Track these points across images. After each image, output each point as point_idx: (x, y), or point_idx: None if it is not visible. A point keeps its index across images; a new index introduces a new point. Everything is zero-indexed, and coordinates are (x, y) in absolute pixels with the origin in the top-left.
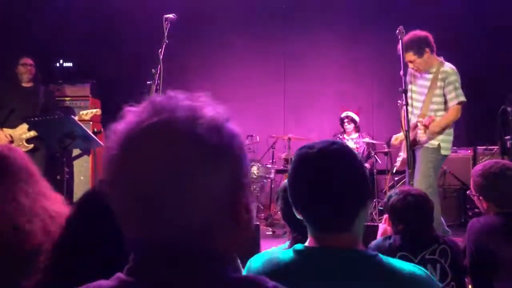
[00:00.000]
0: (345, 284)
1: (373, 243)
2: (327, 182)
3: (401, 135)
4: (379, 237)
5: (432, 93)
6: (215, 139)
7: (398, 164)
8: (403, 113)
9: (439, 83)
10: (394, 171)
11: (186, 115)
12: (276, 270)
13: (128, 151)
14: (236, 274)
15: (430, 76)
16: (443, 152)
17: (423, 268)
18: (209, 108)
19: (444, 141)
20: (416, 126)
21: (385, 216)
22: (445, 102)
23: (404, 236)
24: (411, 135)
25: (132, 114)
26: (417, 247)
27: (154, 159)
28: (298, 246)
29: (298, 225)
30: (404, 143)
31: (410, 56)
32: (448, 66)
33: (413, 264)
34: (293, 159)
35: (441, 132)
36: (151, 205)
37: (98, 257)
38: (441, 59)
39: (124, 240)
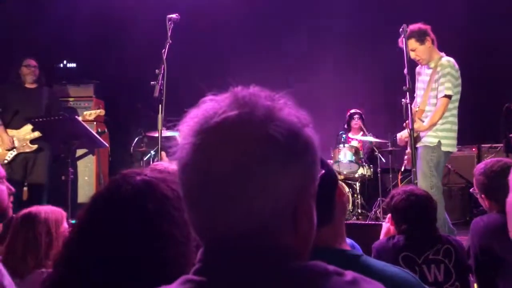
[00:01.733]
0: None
1: (377, 243)
2: None
3: (405, 133)
4: (382, 236)
5: (430, 87)
6: (288, 143)
7: (406, 161)
8: (408, 112)
9: (435, 76)
10: (403, 169)
11: (264, 114)
12: None
13: (203, 140)
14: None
15: (430, 71)
16: (444, 148)
17: (408, 271)
18: (289, 110)
19: (445, 138)
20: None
21: (388, 215)
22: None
23: (407, 236)
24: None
25: (212, 102)
26: (420, 247)
27: (227, 151)
28: None
29: None
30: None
31: (412, 43)
32: (445, 59)
33: (399, 267)
34: None
35: (430, 128)
36: (218, 195)
37: (107, 257)
38: (442, 54)
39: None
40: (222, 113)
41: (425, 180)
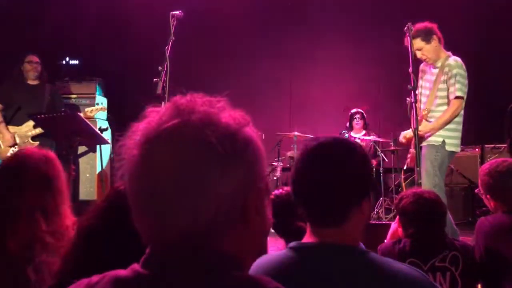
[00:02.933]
0: (337, 280)
1: (382, 245)
2: (322, 174)
3: (409, 132)
4: (388, 237)
5: (436, 87)
6: (225, 146)
7: (408, 160)
8: (412, 111)
9: (443, 77)
10: (405, 168)
11: (199, 119)
12: (270, 267)
13: (145, 152)
14: (240, 273)
15: (436, 70)
16: (448, 148)
17: (418, 269)
18: (226, 113)
19: (449, 137)
20: (421, 121)
21: (397, 217)
22: (448, 96)
23: (414, 242)
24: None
25: (155, 114)
26: (427, 253)
27: (165, 159)
28: (293, 244)
29: (291, 235)
30: (413, 140)
31: (418, 42)
32: (453, 59)
33: (407, 265)
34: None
35: (441, 127)
36: (159, 202)
37: (124, 248)
38: (449, 53)
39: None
40: (163, 123)
41: (428, 179)
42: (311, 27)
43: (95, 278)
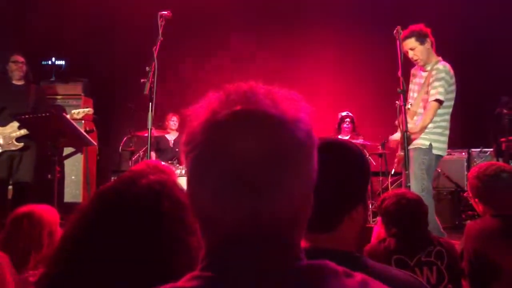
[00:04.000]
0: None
1: (368, 246)
2: (319, 176)
3: (397, 135)
4: (373, 239)
5: (423, 90)
6: (309, 135)
7: (396, 164)
8: (401, 114)
9: (430, 80)
10: (393, 172)
11: (271, 105)
12: None
13: (217, 136)
14: (308, 262)
15: (425, 73)
16: (435, 151)
17: (412, 274)
18: (290, 101)
19: (436, 141)
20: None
21: (378, 218)
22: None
23: (399, 239)
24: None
25: (213, 100)
26: (412, 249)
27: (249, 144)
28: None
29: None
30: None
31: (411, 42)
32: (442, 64)
33: (402, 270)
34: None
35: (421, 132)
36: (251, 186)
37: (109, 251)
38: (440, 58)
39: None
40: (228, 108)
41: (417, 183)
42: (300, 29)
43: None
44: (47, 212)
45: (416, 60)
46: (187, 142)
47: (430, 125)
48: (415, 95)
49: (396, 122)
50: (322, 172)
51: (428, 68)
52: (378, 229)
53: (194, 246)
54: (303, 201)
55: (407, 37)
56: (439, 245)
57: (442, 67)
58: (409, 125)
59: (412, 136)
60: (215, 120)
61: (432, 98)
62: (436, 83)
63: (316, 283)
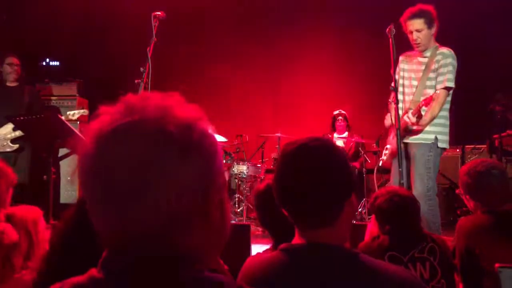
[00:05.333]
0: (328, 281)
1: (362, 243)
2: (306, 178)
3: (388, 120)
4: (366, 236)
5: (426, 77)
6: (183, 138)
7: (385, 158)
8: (393, 111)
9: (433, 66)
10: (380, 165)
11: (156, 115)
12: (261, 268)
13: (100, 149)
14: (203, 274)
15: (425, 60)
16: (440, 145)
17: (409, 271)
18: (181, 107)
19: (441, 133)
20: (406, 113)
21: (372, 216)
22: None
23: (392, 236)
24: (401, 123)
25: (106, 114)
26: (405, 246)
27: (122, 153)
28: (283, 245)
29: (276, 229)
30: (392, 135)
31: (420, 24)
32: (446, 49)
33: (397, 266)
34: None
35: (431, 121)
36: (118, 197)
37: (96, 256)
38: (438, 44)
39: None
40: (116, 121)
41: (422, 183)
42: (297, 28)
43: (55, 286)
44: (21, 212)
45: (418, 44)
46: (79, 151)
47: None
48: (414, 82)
49: (387, 122)
50: (311, 172)
51: (428, 54)
52: (371, 226)
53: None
54: (180, 208)
55: (415, 16)
56: (431, 241)
57: (448, 52)
58: (412, 119)
59: (415, 127)
60: (100, 134)
61: (441, 85)
62: (444, 69)
63: None
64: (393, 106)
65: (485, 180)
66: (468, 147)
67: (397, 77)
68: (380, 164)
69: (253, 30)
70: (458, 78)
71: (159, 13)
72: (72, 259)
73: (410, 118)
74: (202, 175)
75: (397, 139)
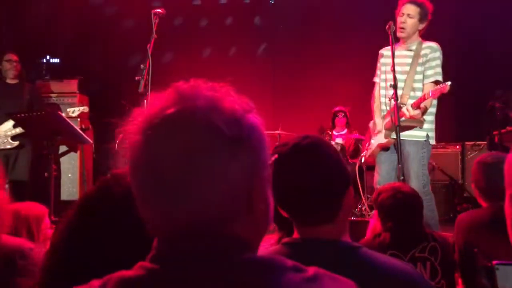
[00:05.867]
0: None
1: (362, 241)
2: (302, 178)
3: (379, 124)
4: (368, 233)
5: (414, 70)
6: (232, 130)
7: (368, 153)
8: (393, 108)
9: (421, 59)
10: (363, 160)
11: (206, 105)
12: None
13: (150, 137)
14: (253, 255)
15: (410, 53)
16: (431, 142)
17: (409, 264)
18: (230, 99)
19: (430, 130)
20: (394, 108)
21: (374, 212)
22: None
23: (393, 234)
24: (388, 119)
25: (157, 101)
26: (406, 245)
27: (172, 145)
28: (285, 239)
29: (283, 224)
30: (374, 129)
31: (414, 10)
32: (433, 43)
33: (400, 260)
34: None
35: (424, 114)
36: (169, 189)
37: (97, 258)
38: (421, 39)
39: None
40: (166, 108)
41: (418, 180)
42: (296, 23)
43: (95, 283)
44: (25, 209)
45: (402, 28)
46: (127, 140)
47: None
48: (401, 76)
49: (377, 126)
50: (306, 172)
51: (413, 47)
52: (374, 222)
53: None
54: (229, 200)
55: (414, 3)
56: (433, 240)
57: (435, 46)
58: (412, 112)
59: (405, 124)
60: (149, 122)
61: (431, 79)
62: (433, 63)
63: (258, 278)
64: (392, 103)
65: (489, 173)
66: (468, 143)
67: (378, 72)
68: (363, 161)
69: (250, 26)
70: (459, 75)
71: (159, 10)
72: (73, 258)
73: (410, 111)
74: (250, 168)
75: (397, 136)
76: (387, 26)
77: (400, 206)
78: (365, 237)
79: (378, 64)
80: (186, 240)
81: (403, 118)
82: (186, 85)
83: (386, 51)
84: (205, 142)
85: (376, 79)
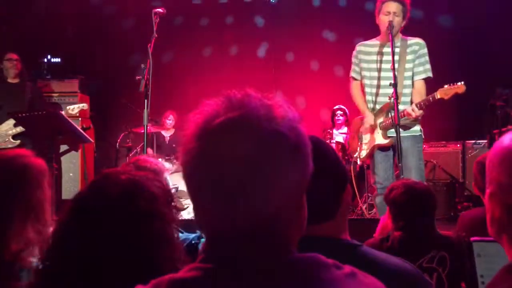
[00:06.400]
0: None
1: (370, 241)
2: None
3: (370, 119)
4: (378, 231)
5: (403, 67)
6: (293, 138)
7: (365, 154)
8: (385, 106)
9: (409, 56)
10: (359, 163)
11: (264, 113)
12: None
13: (208, 144)
14: (297, 255)
15: (397, 50)
16: (423, 135)
17: (409, 263)
18: (281, 108)
19: (420, 124)
20: (387, 107)
21: (387, 208)
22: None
23: (403, 235)
24: (384, 116)
25: (209, 107)
26: (415, 253)
27: (234, 151)
28: None
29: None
30: (366, 126)
31: (397, 8)
32: (418, 38)
33: (399, 258)
34: None
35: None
36: (230, 191)
37: (89, 261)
38: (402, 35)
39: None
40: (223, 115)
41: (418, 174)
42: (297, 21)
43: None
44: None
45: (393, 27)
46: (182, 146)
47: None
48: (387, 74)
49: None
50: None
51: (398, 44)
52: (385, 220)
53: (172, 236)
54: (286, 202)
55: (395, 0)
56: (443, 248)
57: (423, 42)
58: (417, 112)
59: (404, 122)
60: (206, 128)
61: (422, 76)
62: (422, 59)
63: (307, 274)
64: (392, 101)
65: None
66: (469, 142)
67: (357, 68)
68: (359, 163)
69: (252, 25)
70: (459, 73)
71: (159, 9)
72: (67, 257)
73: (415, 111)
74: (303, 174)
75: (397, 135)
76: (387, 26)
77: (414, 203)
78: (374, 235)
79: (355, 60)
80: (243, 239)
81: (404, 118)
82: (238, 93)
83: (364, 47)
84: (268, 146)
85: (354, 75)
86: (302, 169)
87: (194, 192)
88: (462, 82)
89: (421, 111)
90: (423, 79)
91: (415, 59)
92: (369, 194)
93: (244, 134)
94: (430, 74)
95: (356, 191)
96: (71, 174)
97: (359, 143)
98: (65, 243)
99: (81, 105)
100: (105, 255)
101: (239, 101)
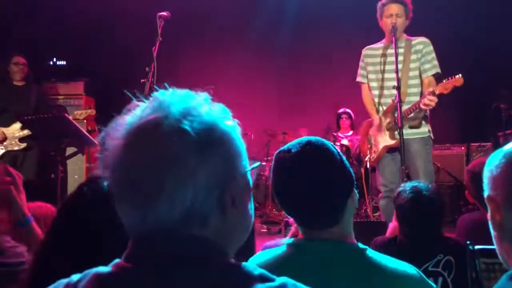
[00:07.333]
0: (331, 275)
1: (379, 239)
2: (306, 184)
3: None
4: (388, 233)
5: (408, 67)
6: (200, 135)
7: (375, 156)
8: (396, 110)
9: (414, 56)
10: (368, 166)
11: (180, 112)
12: (268, 262)
13: (128, 143)
14: (225, 261)
15: (401, 50)
16: (432, 136)
17: (414, 267)
18: (206, 106)
19: (428, 125)
20: (391, 108)
21: (394, 212)
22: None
23: (408, 240)
24: (390, 118)
25: (138, 109)
26: (421, 257)
27: (145, 151)
28: (290, 240)
29: None
30: (373, 131)
31: (400, 9)
32: (421, 37)
33: (404, 262)
34: (272, 163)
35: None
36: (142, 193)
37: (83, 256)
38: (405, 36)
39: (115, 233)
40: (144, 117)
41: (427, 178)
42: (299, 25)
43: (74, 277)
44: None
45: (396, 28)
46: (108, 157)
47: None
48: (391, 75)
49: (377, 121)
50: (308, 179)
51: (402, 44)
52: (394, 223)
53: None
54: (201, 202)
55: (397, 2)
56: (450, 253)
57: (427, 40)
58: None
59: (407, 122)
60: (127, 130)
61: (431, 72)
62: (429, 57)
63: (223, 285)
64: (395, 104)
65: (481, 181)
66: (473, 144)
67: (363, 72)
68: (368, 166)
69: (256, 27)
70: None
71: (164, 13)
72: (60, 256)
73: (432, 99)
74: (221, 175)
75: (400, 138)
76: (390, 28)
77: (419, 210)
78: (386, 234)
79: (362, 64)
80: (156, 241)
81: (412, 114)
82: (164, 94)
83: (369, 51)
84: (173, 147)
85: (361, 79)
86: (216, 171)
87: (114, 192)
88: (460, 75)
89: (436, 98)
90: (432, 75)
91: (420, 58)
92: (374, 197)
93: (151, 135)
94: (438, 70)
95: (365, 192)
96: (76, 177)
97: (369, 146)
98: (54, 241)
99: (88, 110)
100: (89, 255)
101: (164, 103)
